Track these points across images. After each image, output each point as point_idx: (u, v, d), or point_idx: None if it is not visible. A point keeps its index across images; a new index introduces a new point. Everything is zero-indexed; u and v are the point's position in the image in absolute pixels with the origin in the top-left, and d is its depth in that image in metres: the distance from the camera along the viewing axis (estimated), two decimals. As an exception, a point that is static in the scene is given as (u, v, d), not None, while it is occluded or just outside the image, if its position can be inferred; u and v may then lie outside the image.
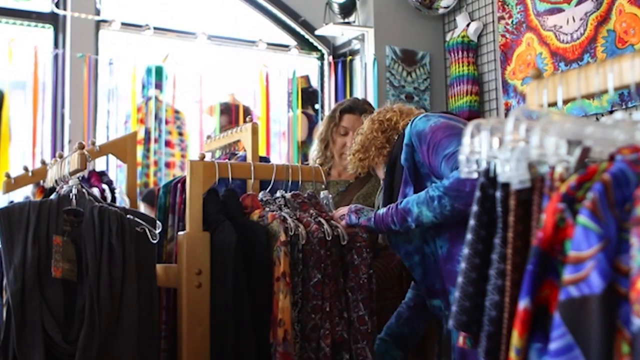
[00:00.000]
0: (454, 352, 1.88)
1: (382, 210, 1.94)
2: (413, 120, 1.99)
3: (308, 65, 5.37)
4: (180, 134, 4.77)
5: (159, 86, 4.68)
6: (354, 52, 5.16)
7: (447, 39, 4.69)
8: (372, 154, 2.08)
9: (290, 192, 2.06)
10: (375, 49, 4.74)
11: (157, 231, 1.78)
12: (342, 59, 5.23)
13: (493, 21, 4.39)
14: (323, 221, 1.91)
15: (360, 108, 2.55)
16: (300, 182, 2.14)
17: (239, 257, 1.82)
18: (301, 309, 1.82)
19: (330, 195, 2.18)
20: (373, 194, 2.43)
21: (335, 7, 4.85)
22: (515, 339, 0.89)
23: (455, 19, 4.64)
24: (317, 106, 5.21)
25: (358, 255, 1.91)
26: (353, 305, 1.89)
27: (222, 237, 1.86)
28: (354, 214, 1.98)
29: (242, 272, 1.82)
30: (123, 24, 4.63)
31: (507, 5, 4.25)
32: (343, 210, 2.04)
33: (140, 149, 4.30)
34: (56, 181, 2.11)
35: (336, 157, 2.54)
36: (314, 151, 2.63)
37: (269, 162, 2.50)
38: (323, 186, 2.24)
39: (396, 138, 2.07)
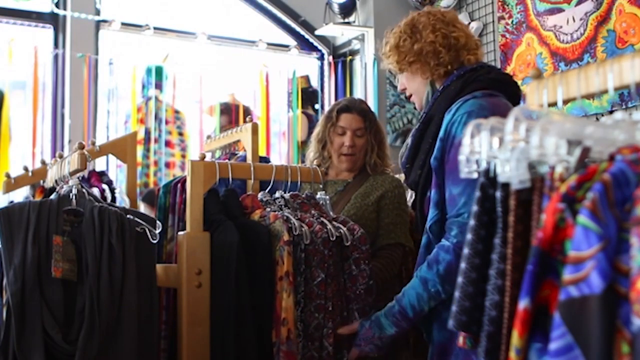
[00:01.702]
0: (433, 346, 1.86)
1: (389, 327, 1.81)
2: (457, 109, 1.75)
3: (308, 65, 5.37)
4: (180, 134, 4.77)
5: (159, 86, 4.68)
6: (354, 52, 5.17)
7: (447, 39, 4.69)
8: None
9: (289, 192, 2.06)
10: (375, 49, 4.74)
11: (157, 231, 1.78)
12: (342, 59, 5.23)
13: (493, 21, 4.39)
14: (326, 221, 1.92)
15: (357, 107, 2.55)
16: (299, 183, 2.14)
17: (242, 257, 1.82)
18: (304, 308, 1.83)
19: (327, 197, 2.18)
20: (371, 193, 2.43)
21: (335, 7, 4.85)
22: (515, 339, 0.89)
23: (455, 19, 4.64)
24: (317, 106, 5.21)
25: (356, 266, 1.92)
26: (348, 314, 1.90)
27: (224, 237, 1.86)
28: (368, 345, 1.85)
29: (245, 272, 1.82)
30: (123, 24, 4.63)
31: (507, 5, 4.24)
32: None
33: (140, 149, 4.30)
34: (56, 181, 2.11)
35: (334, 157, 2.53)
36: (310, 152, 2.63)
37: (269, 162, 2.50)
38: (320, 186, 2.24)
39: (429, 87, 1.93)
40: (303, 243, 1.84)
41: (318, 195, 2.14)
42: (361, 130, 2.51)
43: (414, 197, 1.99)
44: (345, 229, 1.92)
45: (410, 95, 2.03)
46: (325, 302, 1.84)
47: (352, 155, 2.50)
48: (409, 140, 1.96)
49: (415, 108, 2.17)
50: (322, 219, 1.94)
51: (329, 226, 1.89)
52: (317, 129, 2.60)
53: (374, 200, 2.41)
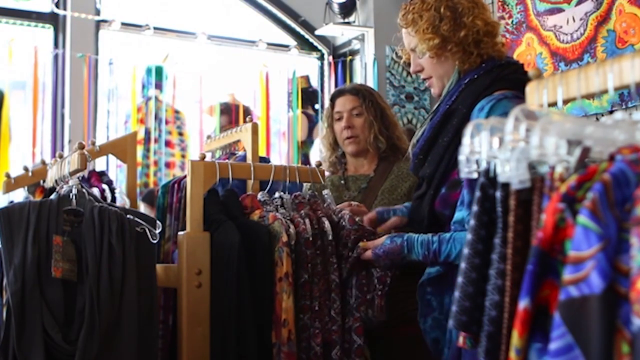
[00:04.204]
0: (450, 349, 1.82)
1: (416, 255, 1.77)
2: (492, 108, 1.65)
3: (308, 65, 5.38)
4: (180, 134, 4.78)
5: (159, 86, 4.69)
6: (354, 52, 5.17)
7: (447, 39, 4.69)
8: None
9: (289, 192, 2.05)
10: (375, 49, 4.75)
11: (157, 231, 1.78)
12: (342, 59, 5.24)
13: (493, 21, 4.39)
14: (306, 219, 1.88)
15: (349, 88, 2.53)
16: (298, 183, 2.13)
17: (243, 257, 1.82)
18: None
19: (329, 192, 2.15)
20: (398, 186, 2.34)
21: (335, 7, 4.86)
22: (515, 339, 0.89)
23: (455, 19, 4.64)
24: (317, 106, 5.21)
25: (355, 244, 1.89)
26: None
27: (224, 237, 1.86)
28: (386, 260, 1.81)
29: (246, 272, 1.82)
30: (123, 24, 4.64)
31: (507, 5, 4.25)
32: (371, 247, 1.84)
33: (140, 149, 4.31)
34: (56, 181, 2.11)
35: (341, 145, 2.50)
36: (323, 152, 2.57)
37: (269, 162, 2.49)
38: (328, 186, 2.22)
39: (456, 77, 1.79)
40: (291, 244, 1.84)
41: (324, 193, 2.12)
42: (357, 109, 2.43)
43: (420, 189, 1.88)
44: (327, 223, 1.88)
45: (428, 78, 1.88)
46: (311, 302, 1.83)
47: (355, 137, 2.45)
48: (425, 129, 1.86)
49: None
50: (306, 218, 1.91)
51: (307, 224, 1.86)
52: (322, 130, 2.60)
53: (403, 193, 2.32)
